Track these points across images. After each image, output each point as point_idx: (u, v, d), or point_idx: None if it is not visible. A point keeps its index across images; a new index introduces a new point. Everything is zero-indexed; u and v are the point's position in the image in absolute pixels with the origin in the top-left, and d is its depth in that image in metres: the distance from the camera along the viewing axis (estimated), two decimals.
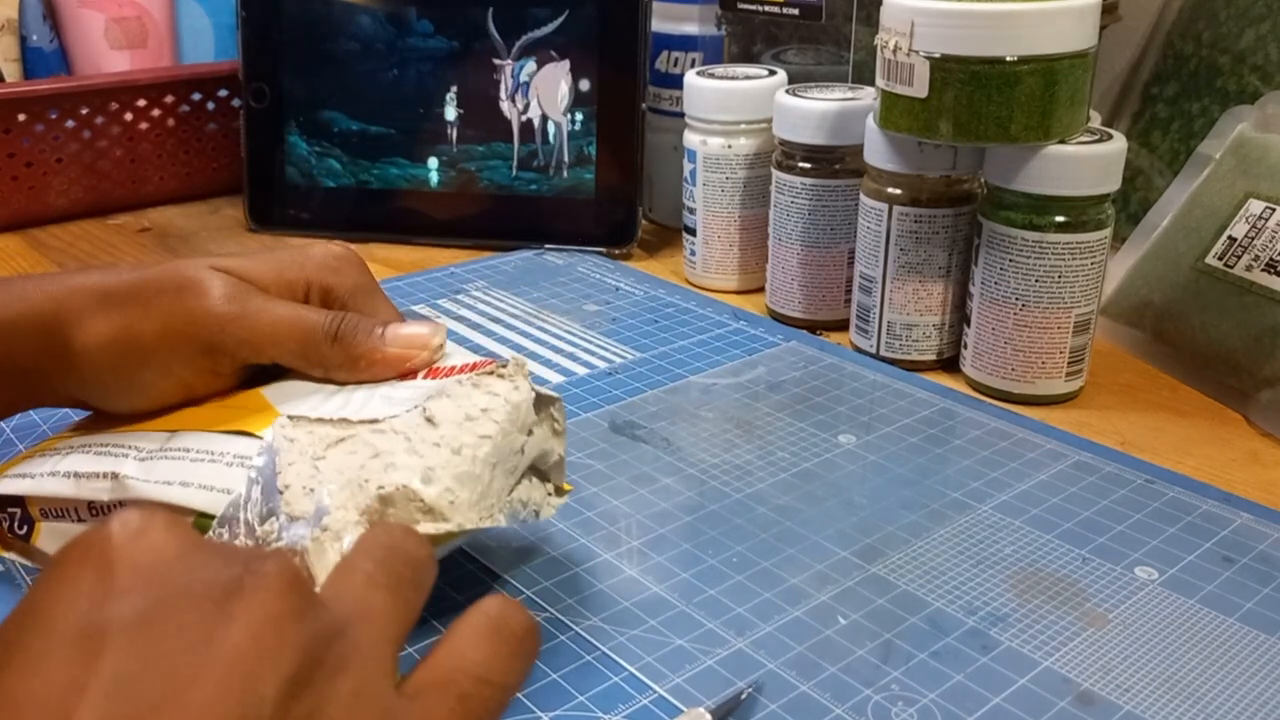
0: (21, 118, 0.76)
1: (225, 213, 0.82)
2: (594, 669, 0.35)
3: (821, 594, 0.38)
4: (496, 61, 0.73)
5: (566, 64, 0.71)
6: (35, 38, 0.82)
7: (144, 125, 0.81)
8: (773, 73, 0.64)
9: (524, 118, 0.73)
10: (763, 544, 0.41)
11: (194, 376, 0.38)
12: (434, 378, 0.38)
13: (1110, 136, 0.50)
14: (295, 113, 0.77)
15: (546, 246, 0.74)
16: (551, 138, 0.73)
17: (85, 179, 0.80)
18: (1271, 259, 0.52)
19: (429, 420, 0.34)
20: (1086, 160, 0.49)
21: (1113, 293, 0.59)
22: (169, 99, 0.82)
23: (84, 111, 0.78)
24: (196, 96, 0.83)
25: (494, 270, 0.70)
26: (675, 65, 0.73)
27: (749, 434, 0.49)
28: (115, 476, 0.35)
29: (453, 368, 0.38)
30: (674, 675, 0.34)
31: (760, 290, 0.65)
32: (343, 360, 0.38)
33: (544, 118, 0.73)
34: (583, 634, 0.36)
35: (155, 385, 0.38)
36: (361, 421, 0.35)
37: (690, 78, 0.64)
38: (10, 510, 0.39)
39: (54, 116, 0.77)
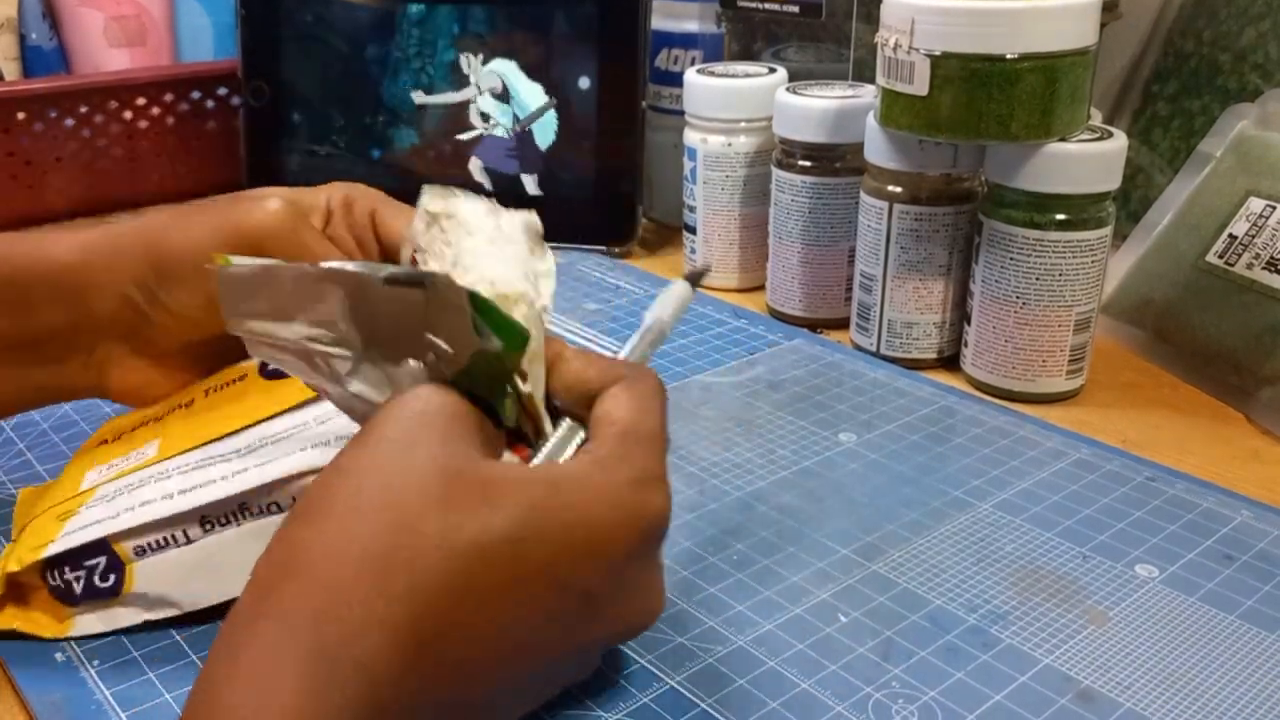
0: (21, 116, 0.76)
1: None
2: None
3: (822, 592, 0.38)
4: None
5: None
6: (34, 36, 0.82)
7: (143, 124, 0.81)
8: (773, 70, 0.64)
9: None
10: (763, 542, 0.41)
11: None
12: None
13: (1111, 134, 0.50)
14: (295, 111, 0.77)
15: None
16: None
17: (84, 178, 0.80)
18: (1272, 257, 0.52)
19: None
20: (1087, 158, 0.49)
21: (1113, 291, 0.59)
22: (168, 97, 0.82)
23: (83, 110, 0.78)
24: (196, 95, 0.83)
25: None
26: (675, 63, 0.73)
27: (749, 432, 0.49)
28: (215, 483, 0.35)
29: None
30: (675, 673, 0.34)
31: (761, 289, 0.65)
32: None
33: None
34: None
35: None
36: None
37: (690, 76, 0.64)
38: (87, 564, 0.34)
39: (53, 115, 0.77)
